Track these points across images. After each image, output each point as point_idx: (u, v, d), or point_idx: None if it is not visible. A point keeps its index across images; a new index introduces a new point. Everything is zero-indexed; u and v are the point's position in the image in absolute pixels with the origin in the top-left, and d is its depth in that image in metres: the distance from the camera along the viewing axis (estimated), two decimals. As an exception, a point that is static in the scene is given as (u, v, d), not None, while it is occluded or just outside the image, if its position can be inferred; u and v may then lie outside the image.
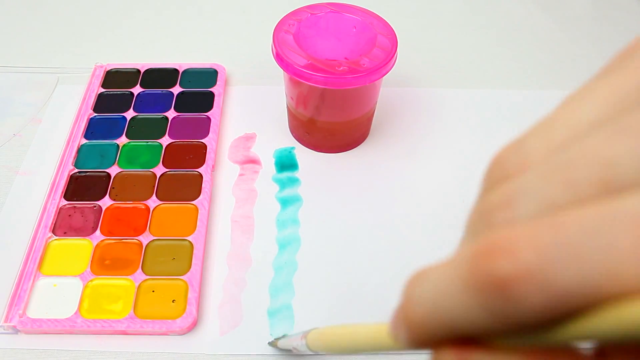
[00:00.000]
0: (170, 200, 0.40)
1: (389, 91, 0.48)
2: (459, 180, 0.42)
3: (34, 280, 0.36)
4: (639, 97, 0.12)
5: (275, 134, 0.46)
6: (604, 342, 0.12)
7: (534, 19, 0.58)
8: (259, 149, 0.44)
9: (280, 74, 0.41)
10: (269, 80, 0.49)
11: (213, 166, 0.43)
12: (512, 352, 0.12)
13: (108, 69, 0.50)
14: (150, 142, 0.44)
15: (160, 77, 0.49)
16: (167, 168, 0.42)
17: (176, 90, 0.48)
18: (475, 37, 0.56)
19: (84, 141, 0.44)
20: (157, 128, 0.45)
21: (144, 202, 0.40)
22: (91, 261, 0.37)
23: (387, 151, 0.44)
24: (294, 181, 0.42)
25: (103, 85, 0.49)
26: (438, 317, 0.13)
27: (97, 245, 0.38)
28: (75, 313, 0.34)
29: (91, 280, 0.36)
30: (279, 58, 0.38)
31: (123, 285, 0.36)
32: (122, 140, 0.44)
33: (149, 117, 0.46)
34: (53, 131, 0.45)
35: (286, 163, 0.43)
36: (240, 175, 0.43)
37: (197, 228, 0.38)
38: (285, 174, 0.43)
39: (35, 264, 0.36)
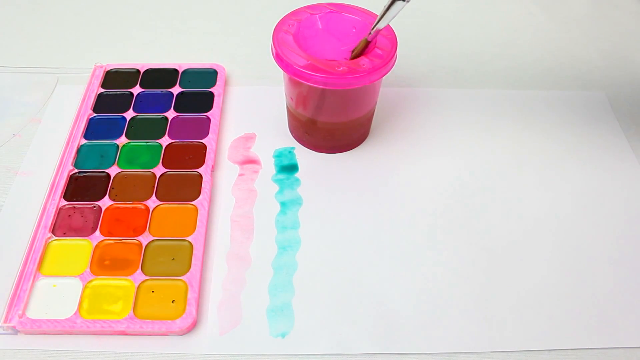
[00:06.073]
0: (170, 200, 0.40)
1: (389, 91, 0.48)
2: (458, 180, 0.42)
3: (33, 281, 0.36)
4: None
5: (275, 134, 0.46)
6: None
7: (534, 19, 0.58)
8: (259, 149, 0.44)
9: (280, 74, 0.41)
10: (269, 81, 0.49)
11: (213, 166, 0.43)
12: None
13: (108, 69, 0.50)
14: (150, 142, 0.44)
15: (160, 77, 0.49)
16: (166, 168, 0.42)
17: (176, 90, 0.48)
18: (475, 37, 0.56)
19: (84, 141, 0.44)
20: (157, 128, 0.45)
21: (143, 202, 0.40)
22: (91, 261, 0.37)
23: (387, 151, 0.44)
24: (293, 181, 0.42)
25: (103, 86, 0.48)
26: None
27: (96, 245, 0.38)
28: (75, 313, 0.34)
29: (91, 281, 0.36)
30: (279, 58, 0.38)
31: (123, 285, 0.36)
32: (122, 140, 0.44)
33: (149, 118, 0.46)
34: (53, 131, 0.45)
35: (286, 163, 0.43)
36: (240, 175, 0.43)
37: (196, 228, 0.38)
38: (285, 174, 0.43)
39: (34, 264, 0.36)
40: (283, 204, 0.41)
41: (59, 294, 0.35)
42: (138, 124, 0.46)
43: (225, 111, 0.48)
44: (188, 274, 0.36)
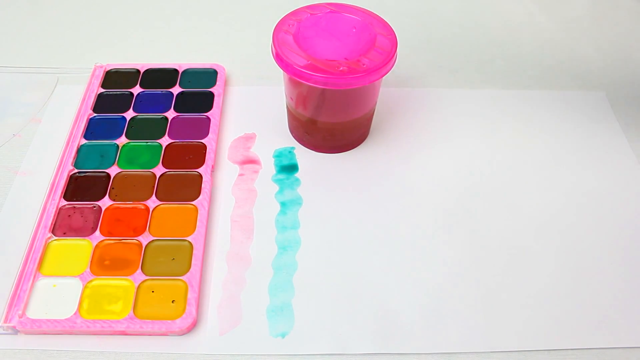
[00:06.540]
0: (170, 200, 0.40)
1: (388, 91, 0.48)
2: (458, 180, 0.42)
3: (33, 281, 0.36)
4: None
5: (275, 134, 0.46)
6: None
7: (534, 19, 0.58)
8: (259, 149, 0.44)
9: (280, 74, 0.41)
10: (269, 81, 0.49)
11: (213, 166, 0.43)
12: None
13: (108, 69, 0.50)
14: (150, 142, 0.44)
15: (160, 77, 0.49)
16: (166, 168, 0.42)
17: (176, 90, 0.48)
18: (475, 37, 0.56)
19: (84, 141, 0.44)
20: (157, 128, 0.45)
21: (143, 202, 0.40)
22: (91, 261, 0.37)
23: (387, 151, 0.44)
24: (293, 181, 0.42)
25: (103, 86, 0.48)
26: None
27: (96, 245, 0.38)
28: (75, 313, 0.34)
29: (91, 281, 0.36)
30: (279, 58, 0.38)
31: (123, 285, 0.36)
32: (122, 140, 0.44)
33: (149, 118, 0.46)
34: (53, 131, 0.45)
35: (286, 163, 0.43)
36: (240, 175, 0.43)
37: (196, 228, 0.38)
38: (285, 174, 0.43)
39: (34, 264, 0.36)
40: (283, 204, 0.41)
41: (59, 294, 0.35)
42: (138, 124, 0.46)
43: (225, 111, 0.48)
44: (188, 274, 0.36)
